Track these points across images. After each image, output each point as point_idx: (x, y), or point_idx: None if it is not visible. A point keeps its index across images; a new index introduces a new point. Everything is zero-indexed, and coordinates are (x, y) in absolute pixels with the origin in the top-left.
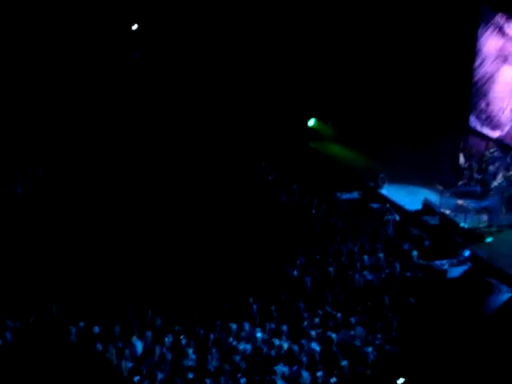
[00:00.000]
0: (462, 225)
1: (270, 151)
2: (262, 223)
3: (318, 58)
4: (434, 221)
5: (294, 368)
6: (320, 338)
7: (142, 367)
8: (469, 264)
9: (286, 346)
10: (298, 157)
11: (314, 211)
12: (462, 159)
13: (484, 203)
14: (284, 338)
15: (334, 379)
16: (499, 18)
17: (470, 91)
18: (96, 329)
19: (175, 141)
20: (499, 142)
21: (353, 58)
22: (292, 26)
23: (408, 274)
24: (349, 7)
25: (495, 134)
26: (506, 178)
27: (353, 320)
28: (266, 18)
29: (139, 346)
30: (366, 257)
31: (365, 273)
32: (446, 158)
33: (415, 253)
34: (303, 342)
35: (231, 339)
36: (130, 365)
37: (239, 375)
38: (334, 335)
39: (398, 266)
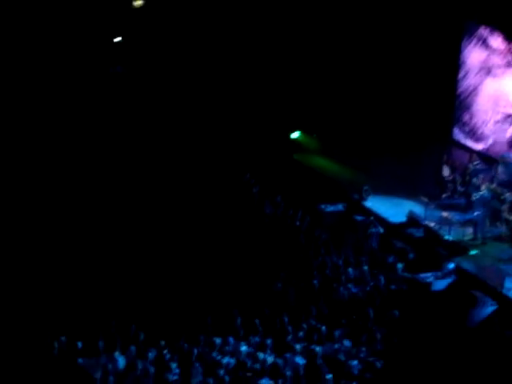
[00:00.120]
0: (446, 237)
1: (255, 163)
2: (246, 235)
3: (303, 71)
4: (418, 233)
5: (279, 382)
6: (304, 351)
7: (125, 382)
8: (453, 277)
9: (270, 359)
10: (283, 169)
11: (298, 223)
12: (445, 171)
13: (468, 216)
14: (268, 351)
15: None
16: (483, 31)
17: (453, 103)
18: (79, 344)
19: (159, 154)
20: (483, 155)
21: (337, 71)
22: (274, 40)
23: (392, 286)
24: (332, 19)
25: (479, 147)
26: (489, 191)
27: (337, 333)
28: (248, 33)
29: (122, 361)
30: (350, 269)
31: (349, 285)
32: (430, 171)
33: (400, 265)
34: (288, 355)
35: (215, 353)
36: (112, 379)
37: None
38: (318, 348)
39: (382, 278)
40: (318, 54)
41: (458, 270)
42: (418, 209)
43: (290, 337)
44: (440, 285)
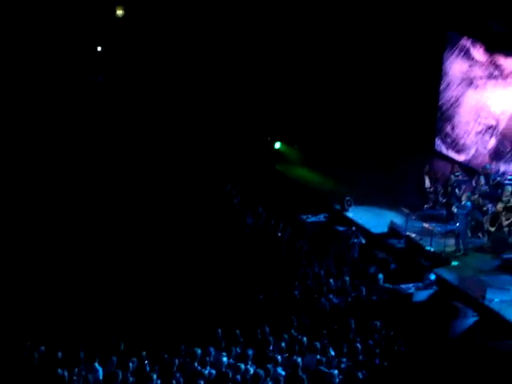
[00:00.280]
0: (427, 248)
1: (236, 173)
2: (227, 246)
3: (284, 81)
4: (399, 244)
5: None
6: (286, 362)
7: None
8: (435, 288)
9: (251, 370)
10: (264, 179)
11: (279, 234)
12: (427, 182)
13: (450, 227)
14: (250, 362)
15: None
16: (465, 41)
17: (435, 114)
18: (59, 354)
19: (140, 164)
20: (464, 166)
21: (319, 81)
22: (256, 49)
23: (374, 297)
24: (314, 29)
25: (460, 158)
26: (471, 202)
27: (318, 344)
28: (230, 41)
29: (101, 371)
30: (331, 280)
31: (331, 296)
32: (412, 181)
33: (381, 276)
34: (269, 366)
35: (196, 364)
36: None
37: None
38: (299, 359)
39: (363, 289)
40: (299, 64)
41: (440, 281)
42: (399, 219)
43: (271, 347)
44: (421, 296)
